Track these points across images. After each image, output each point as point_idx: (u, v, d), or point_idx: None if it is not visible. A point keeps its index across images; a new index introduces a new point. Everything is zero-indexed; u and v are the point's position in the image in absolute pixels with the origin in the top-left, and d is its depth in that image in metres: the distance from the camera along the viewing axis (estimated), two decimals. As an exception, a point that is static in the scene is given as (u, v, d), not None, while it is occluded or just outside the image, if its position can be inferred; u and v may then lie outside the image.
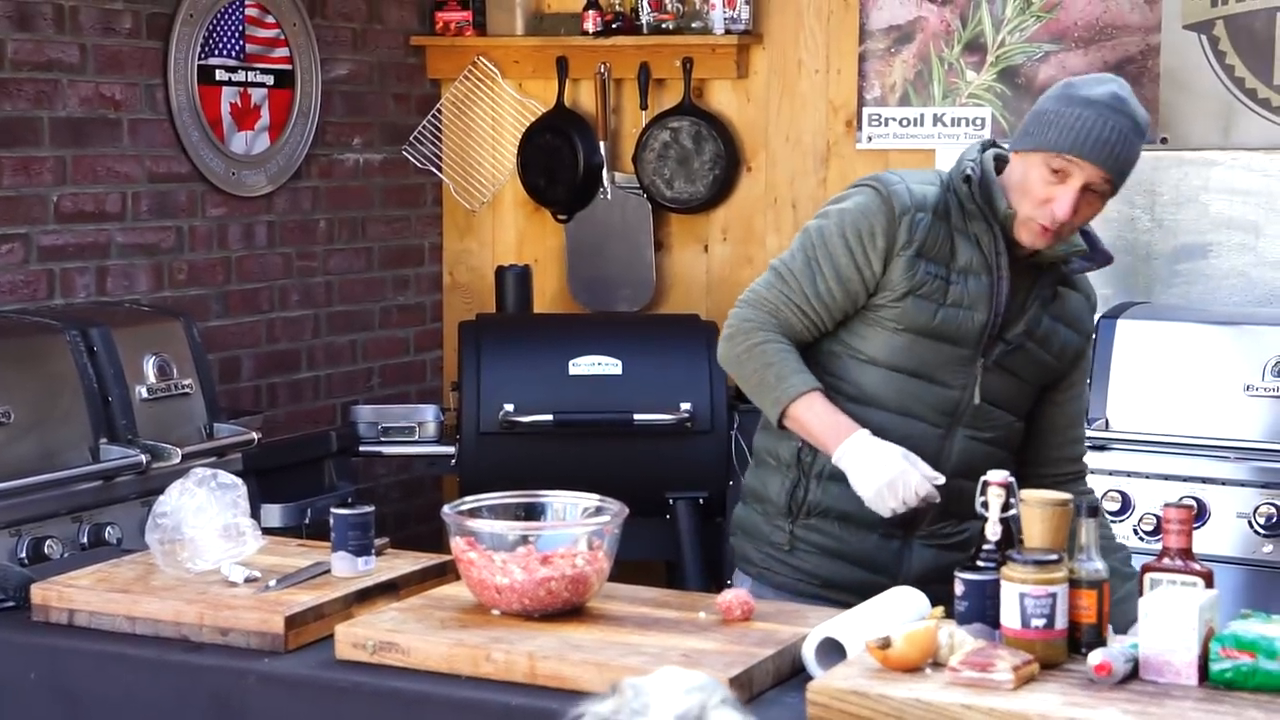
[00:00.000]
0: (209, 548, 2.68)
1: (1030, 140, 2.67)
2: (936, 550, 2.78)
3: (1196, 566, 2.28)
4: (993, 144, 2.81)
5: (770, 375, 2.73)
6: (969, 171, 2.72)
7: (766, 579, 2.82)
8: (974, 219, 2.72)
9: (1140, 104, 2.71)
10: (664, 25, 4.91)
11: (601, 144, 5.01)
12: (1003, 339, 2.75)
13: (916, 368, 2.74)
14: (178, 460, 3.65)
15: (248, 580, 2.63)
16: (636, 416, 4.32)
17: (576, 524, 2.61)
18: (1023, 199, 2.68)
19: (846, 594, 2.67)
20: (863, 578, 2.74)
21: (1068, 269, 2.78)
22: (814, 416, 2.70)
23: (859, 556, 2.78)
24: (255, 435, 3.97)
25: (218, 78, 4.55)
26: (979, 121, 4.60)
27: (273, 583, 2.62)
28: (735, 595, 2.50)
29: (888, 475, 2.63)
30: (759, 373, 2.75)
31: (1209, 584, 2.27)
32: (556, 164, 5.05)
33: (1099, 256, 2.80)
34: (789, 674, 2.35)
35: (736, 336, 2.80)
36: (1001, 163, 2.76)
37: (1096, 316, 4.02)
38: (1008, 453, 2.81)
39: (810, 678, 2.26)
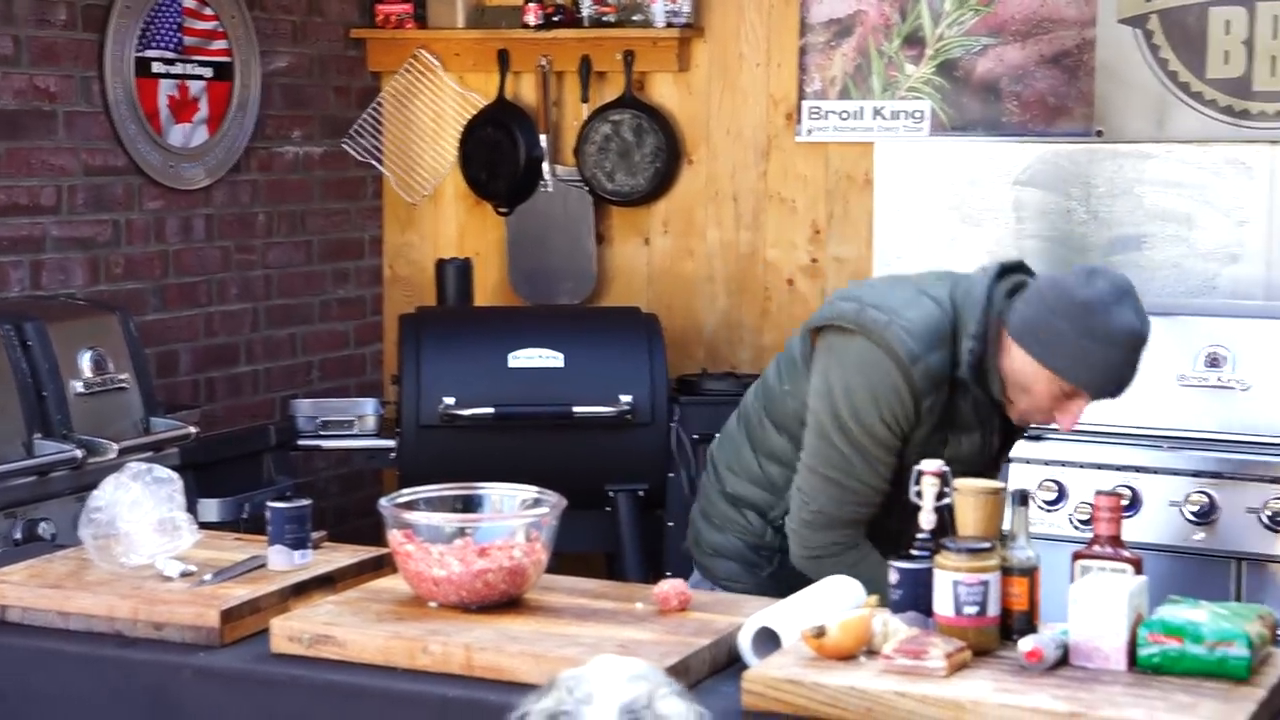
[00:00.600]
0: (144, 542, 2.67)
1: (1048, 359, 2.64)
2: None
3: (1126, 554, 2.31)
4: (1003, 273, 2.76)
5: (862, 579, 2.60)
6: (964, 371, 2.70)
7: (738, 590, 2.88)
8: (988, 400, 2.76)
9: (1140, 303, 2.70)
10: (605, 18, 4.91)
11: (543, 137, 5.01)
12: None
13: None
14: (114, 455, 3.62)
15: (183, 574, 2.62)
16: (577, 409, 4.32)
17: (514, 516, 2.61)
18: (1022, 395, 2.70)
19: None
20: None
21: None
22: None
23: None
24: (193, 429, 3.95)
25: (155, 70, 4.51)
26: (918, 114, 4.62)
27: (208, 577, 2.61)
28: (672, 586, 2.51)
29: None
30: (850, 578, 2.64)
31: (1138, 571, 2.30)
32: (497, 157, 5.05)
33: None
34: (725, 663, 2.36)
35: (827, 560, 2.77)
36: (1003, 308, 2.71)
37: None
38: None
39: (746, 667, 2.28)
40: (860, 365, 2.71)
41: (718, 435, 3.08)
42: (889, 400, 2.70)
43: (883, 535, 2.76)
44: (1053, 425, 2.77)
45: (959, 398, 2.75)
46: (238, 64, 4.76)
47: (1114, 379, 2.66)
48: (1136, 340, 2.65)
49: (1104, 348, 2.61)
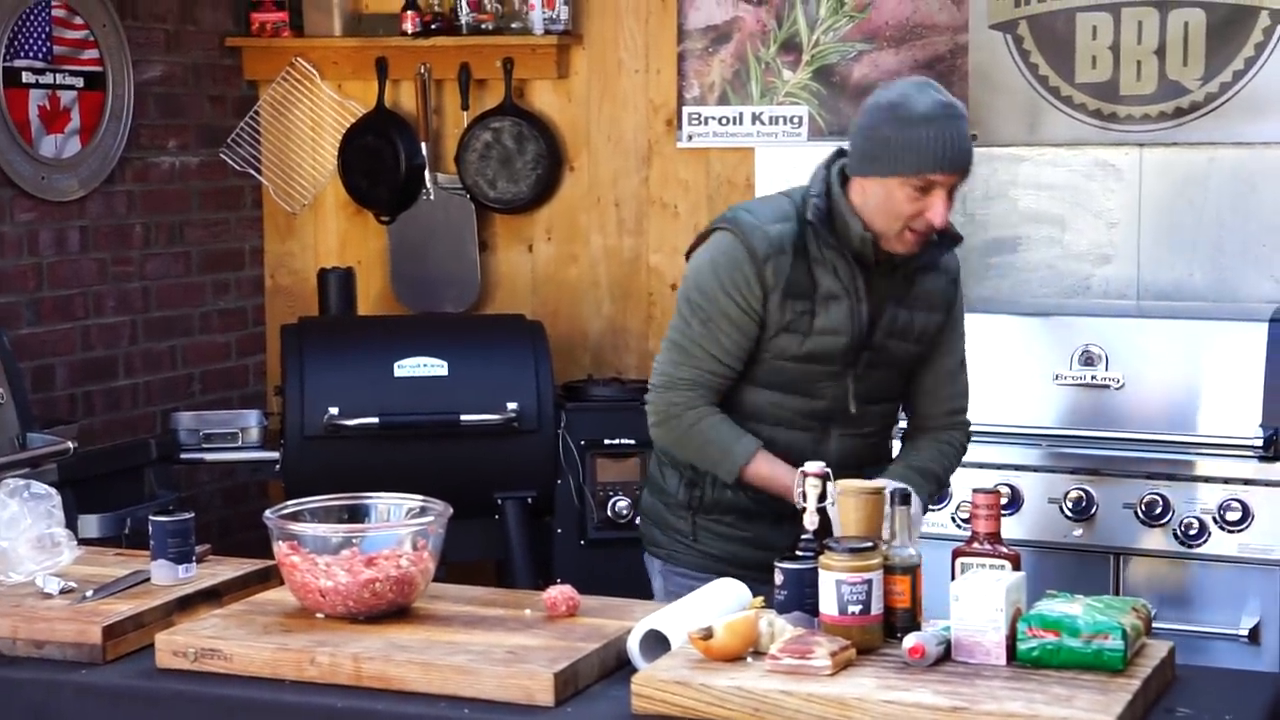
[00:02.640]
0: (22, 559, 2.63)
1: (883, 166, 2.81)
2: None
3: (1004, 550, 2.36)
4: (840, 153, 2.93)
5: (714, 451, 2.91)
6: (811, 216, 2.86)
7: (675, 560, 3.03)
8: (829, 248, 2.88)
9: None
10: (483, 26, 4.91)
11: (423, 145, 4.99)
12: (867, 348, 2.93)
13: (789, 386, 2.93)
14: (-11, 472, 3.56)
15: (63, 591, 2.58)
16: (463, 417, 4.32)
17: (400, 525, 2.61)
18: (889, 218, 2.83)
19: (751, 570, 2.79)
20: (764, 558, 2.81)
21: (921, 261, 2.93)
22: (763, 479, 2.89)
23: (758, 540, 2.95)
24: (70, 445, 3.88)
25: (24, 80, 4.44)
26: (796, 120, 4.67)
27: (89, 593, 2.58)
28: (561, 592, 2.52)
29: None
30: (702, 449, 2.93)
31: (1016, 566, 2.35)
32: (378, 165, 5.02)
33: (948, 240, 2.94)
34: (614, 667, 2.37)
35: (669, 421, 2.94)
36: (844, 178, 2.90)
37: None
38: (883, 438, 3.06)
39: (635, 670, 2.29)
40: (710, 248, 2.94)
41: None
42: (729, 270, 2.88)
43: (811, 416, 2.93)
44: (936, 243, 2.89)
45: (816, 267, 2.87)
46: (110, 73, 4.69)
47: (948, 148, 2.78)
48: (951, 109, 2.81)
49: (925, 126, 2.78)
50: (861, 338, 2.91)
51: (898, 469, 2.98)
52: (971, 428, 3.14)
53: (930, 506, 3.75)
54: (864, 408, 2.96)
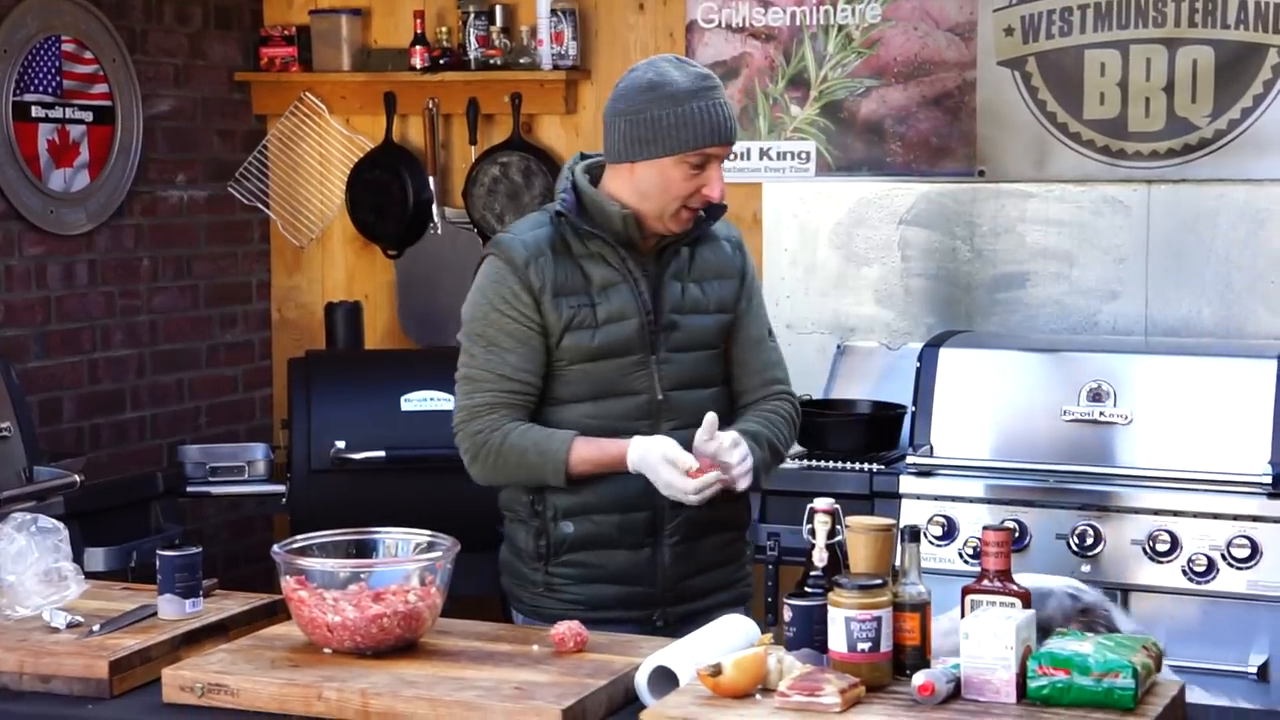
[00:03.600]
0: (29, 594, 2.62)
1: (657, 148, 2.80)
2: (686, 545, 2.91)
3: (1014, 587, 2.35)
4: (583, 156, 2.96)
5: (532, 457, 2.83)
6: (560, 208, 2.86)
7: (538, 614, 2.90)
8: (591, 239, 2.86)
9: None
10: (492, 61, 4.92)
11: (431, 179, 5.00)
12: (662, 329, 2.88)
13: (599, 390, 2.88)
14: (-4, 505, 3.56)
15: (70, 625, 2.58)
16: (469, 451, 4.31)
17: (408, 560, 2.60)
18: (665, 199, 2.82)
19: (614, 610, 2.82)
20: (625, 592, 2.89)
21: (692, 235, 2.91)
22: (592, 460, 2.82)
23: (616, 573, 2.89)
24: (77, 478, 3.88)
25: (34, 114, 4.46)
26: (804, 155, 4.68)
27: (96, 627, 2.57)
28: (568, 627, 2.51)
29: (658, 473, 2.77)
30: (520, 462, 2.84)
31: (1026, 604, 2.33)
32: (386, 200, 5.04)
33: (715, 211, 2.93)
34: (622, 703, 2.36)
35: (479, 452, 2.87)
36: (598, 170, 2.91)
37: (919, 345, 4.15)
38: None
39: (644, 706, 2.28)
40: (476, 279, 2.92)
41: None
42: (495, 288, 2.86)
43: (630, 416, 2.86)
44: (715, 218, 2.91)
45: (584, 261, 2.86)
46: (119, 108, 4.71)
47: (721, 119, 2.80)
48: (709, 79, 2.83)
49: (693, 100, 2.79)
50: (650, 316, 2.86)
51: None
52: (796, 404, 3.06)
53: (934, 541, 3.77)
54: (679, 396, 2.89)
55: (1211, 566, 3.61)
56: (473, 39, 4.91)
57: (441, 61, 4.95)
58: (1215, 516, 3.63)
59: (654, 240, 2.89)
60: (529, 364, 2.86)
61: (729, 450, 2.76)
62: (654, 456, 2.75)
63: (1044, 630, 2.33)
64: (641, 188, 2.83)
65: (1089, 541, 3.70)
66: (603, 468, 2.82)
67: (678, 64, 2.86)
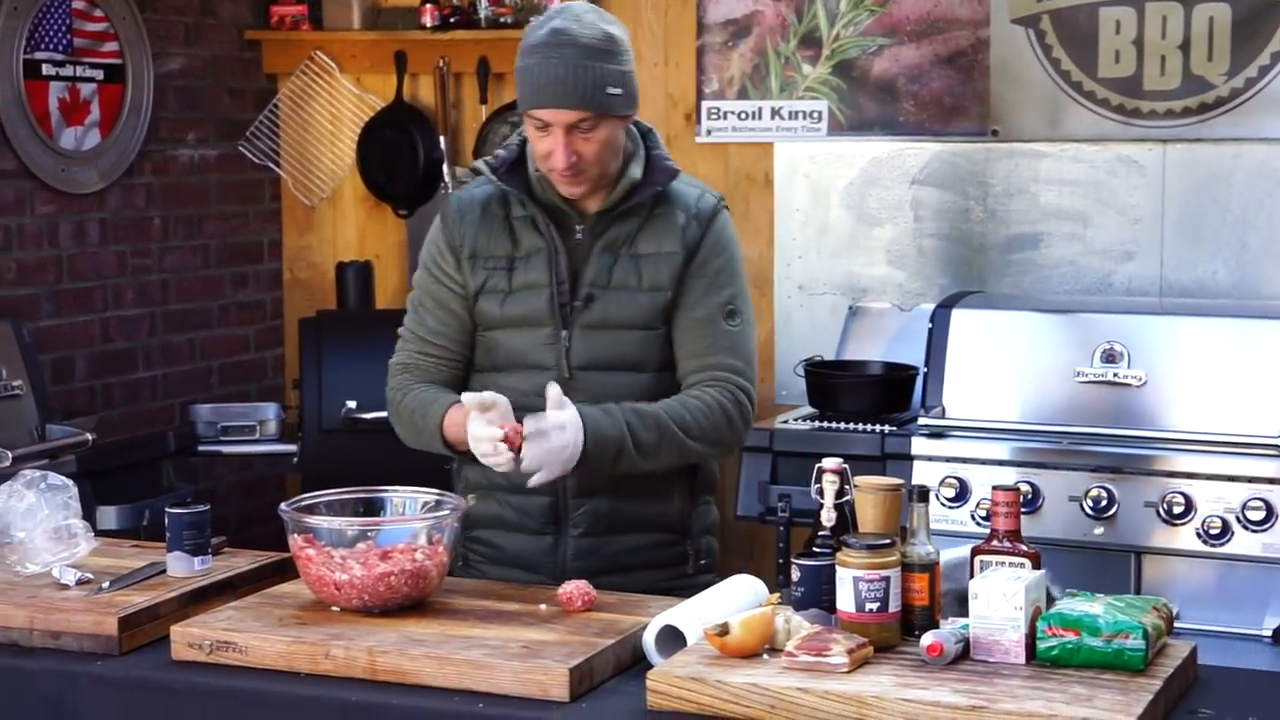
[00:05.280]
0: (39, 550, 2.63)
1: (518, 101, 2.67)
2: (593, 539, 2.76)
3: (1024, 548, 2.34)
4: None
5: (418, 420, 2.75)
6: (494, 164, 2.73)
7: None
8: (532, 202, 2.72)
9: (603, 15, 2.69)
10: (502, 19, 4.90)
11: (441, 138, 4.98)
12: (575, 303, 2.71)
13: (506, 361, 2.75)
14: (7, 463, 3.57)
15: (80, 582, 2.58)
16: (480, 411, 4.30)
17: (416, 518, 2.60)
18: (536, 158, 2.69)
19: None
20: (528, 579, 2.73)
21: (627, 205, 2.71)
22: (459, 427, 2.65)
23: (517, 558, 2.79)
24: (89, 436, 3.89)
25: (45, 72, 4.44)
26: (816, 114, 4.65)
27: (106, 584, 2.57)
28: (576, 586, 2.51)
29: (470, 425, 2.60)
30: (413, 428, 2.77)
31: (1036, 565, 2.32)
32: (397, 159, 5.02)
33: (658, 177, 2.74)
34: (630, 663, 2.36)
35: (391, 411, 2.83)
36: None
37: (931, 306, 4.13)
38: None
39: (651, 666, 2.28)
40: None
41: None
42: (429, 245, 2.80)
43: (535, 393, 2.63)
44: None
45: (519, 223, 2.72)
46: (130, 66, 4.69)
47: (540, 85, 2.59)
48: (553, 36, 2.60)
49: (525, 58, 2.62)
50: (563, 289, 2.69)
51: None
52: (747, 394, 2.74)
53: (946, 503, 3.76)
54: (590, 376, 2.70)
55: (1226, 529, 3.59)
56: (484, -3, 4.88)
57: (452, 20, 4.93)
58: (1230, 479, 3.61)
59: (597, 204, 2.71)
60: (444, 327, 2.78)
61: (541, 422, 2.54)
62: (472, 403, 2.57)
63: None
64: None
65: (1103, 504, 3.68)
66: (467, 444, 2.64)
67: (551, 18, 2.66)
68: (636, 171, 2.74)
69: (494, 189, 2.76)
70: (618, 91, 2.65)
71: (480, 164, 2.76)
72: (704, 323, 2.74)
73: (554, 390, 2.59)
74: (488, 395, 2.58)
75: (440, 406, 2.72)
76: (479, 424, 2.58)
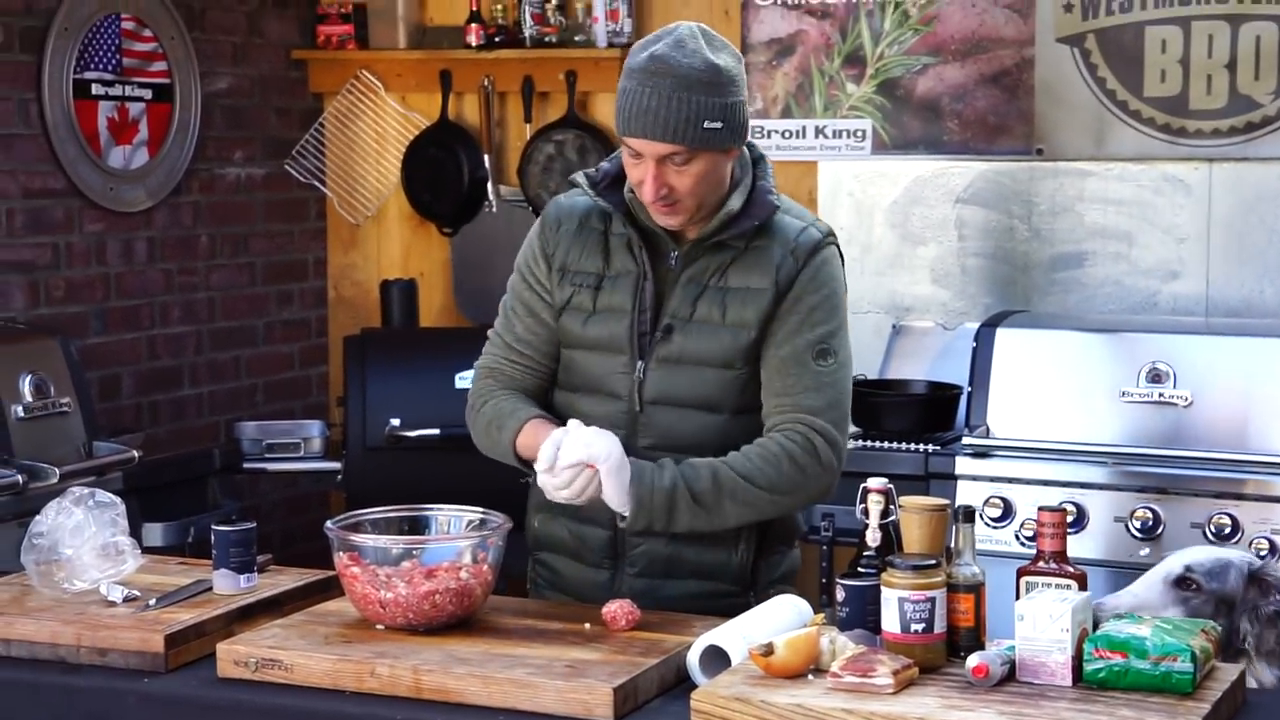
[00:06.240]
0: (87, 567, 2.64)
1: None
2: (648, 581, 2.68)
3: (1070, 569, 2.33)
4: None
5: (494, 430, 2.68)
6: (597, 179, 2.64)
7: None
8: (631, 222, 2.62)
9: (712, 42, 2.52)
10: (547, 39, 4.92)
11: (486, 157, 5.01)
12: (655, 333, 2.62)
13: (584, 385, 2.67)
14: (55, 480, 3.59)
15: (126, 599, 2.59)
16: (523, 429, 4.31)
17: (460, 537, 2.60)
18: (633, 184, 2.58)
19: None
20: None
21: (721, 238, 2.59)
22: (530, 449, 2.59)
23: (574, 588, 2.74)
24: (136, 453, 3.92)
25: (94, 92, 4.48)
26: (860, 133, 4.65)
27: (152, 601, 2.59)
28: (620, 605, 2.51)
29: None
30: (488, 437, 2.70)
31: (1082, 586, 2.31)
32: (441, 177, 5.04)
33: (755, 210, 2.60)
34: (674, 683, 2.36)
35: (470, 415, 2.75)
36: None
37: (976, 325, 4.11)
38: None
39: (695, 686, 2.27)
40: None
41: None
42: (526, 248, 2.72)
43: (606, 421, 2.57)
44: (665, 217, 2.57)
45: (615, 241, 2.62)
46: (178, 85, 4.73)
47: (634, 112, 2.47)
48: (652, 63, 2.47)
49: (624, 81, 2.51)
50: (644, 318, 2.59)
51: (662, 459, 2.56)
52: (825, 435, 2.58)
53: (990, 523, 3.74)
54: (661, 412, 2.60)
55: (1273, 550, 3.56)
56: (528, 16, 4.90)
57: (497, 39, 4.95)
58: (1277, 500, 3.59)
59: (695, 233, 2.60)
60: (532, 335, 2.70)
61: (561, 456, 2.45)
62: (549, 433, 2.50)
63: (1228, 604, 2.29)
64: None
65: (1149, 524, 3.66)
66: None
67: (652, 42, 2.52)
68: (736, 203, 2.59)
69: (584, 203, 2.67)
70: (716, 125, 2.49)
71: (579, 176, 2.66)
72: (789, 361, 2.59)
73: (573, 424, 2.53)
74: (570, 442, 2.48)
75: (516, 421, 2.65)
76: (549, 448, 2.49)
